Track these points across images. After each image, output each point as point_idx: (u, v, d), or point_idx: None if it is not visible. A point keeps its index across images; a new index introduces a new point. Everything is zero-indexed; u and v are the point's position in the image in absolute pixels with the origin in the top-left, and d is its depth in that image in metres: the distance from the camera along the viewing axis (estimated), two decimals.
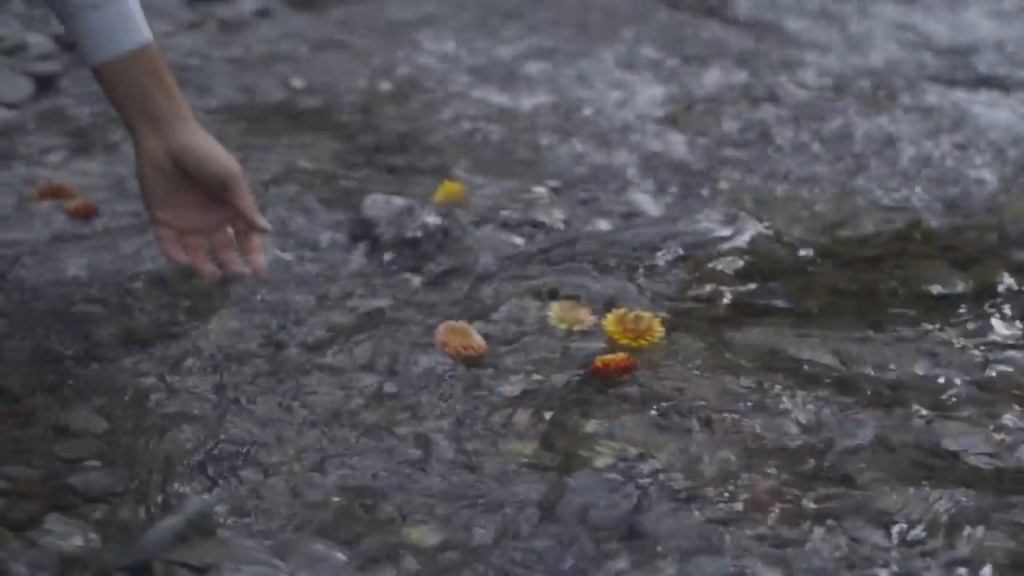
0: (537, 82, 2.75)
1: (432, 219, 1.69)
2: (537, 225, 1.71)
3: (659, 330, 1.38)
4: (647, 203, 1.88)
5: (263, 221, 1.40)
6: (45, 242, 1.67)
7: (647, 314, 1.40)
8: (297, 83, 2.74)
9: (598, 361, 1.33)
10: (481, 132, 2.30)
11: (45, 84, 2.62)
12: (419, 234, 1.66)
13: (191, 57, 3.02)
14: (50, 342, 1.38)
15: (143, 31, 1.39)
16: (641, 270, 1.58)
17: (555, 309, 1.44)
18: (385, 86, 2.76)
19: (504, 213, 1.73)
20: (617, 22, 3.53)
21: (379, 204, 1.75)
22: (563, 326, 1.42)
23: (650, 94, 2.60)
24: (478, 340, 1.38)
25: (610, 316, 1.40)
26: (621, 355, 1.34)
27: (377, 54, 3.11)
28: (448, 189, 1.79)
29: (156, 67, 1.41)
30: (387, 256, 1.64)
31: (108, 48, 1.37)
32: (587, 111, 2.50)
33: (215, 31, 3.46)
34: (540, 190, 1.88)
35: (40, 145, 2.22)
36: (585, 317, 1.44)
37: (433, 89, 2.67)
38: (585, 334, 1.41)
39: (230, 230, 1.40)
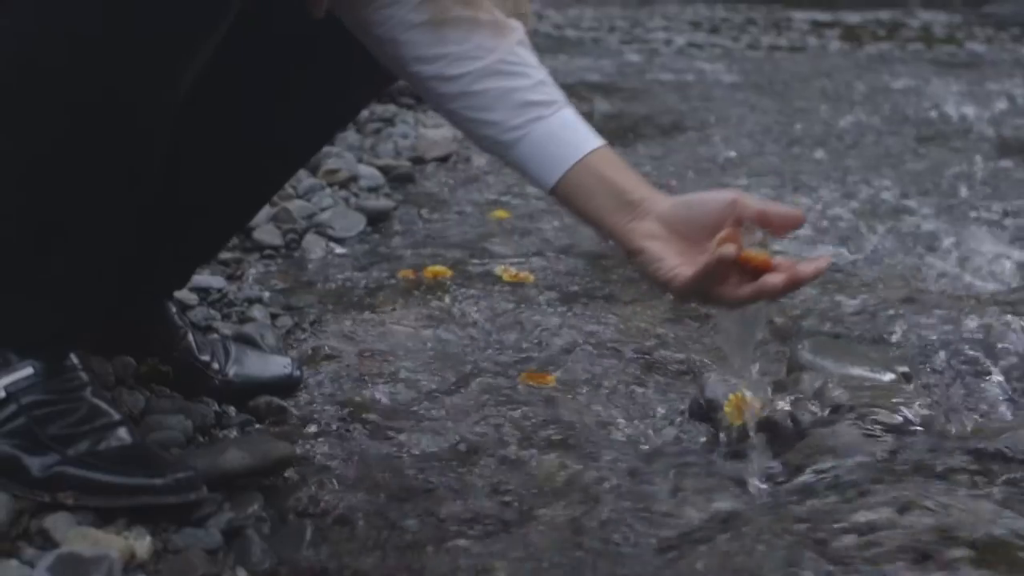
0: (871, 240, 2.63)
1: (780, 407, 1.59)
2: (894, 424, 1.58)
3: None
4: (1006, 402, 1.72)
5: (794, 209, 1.30)
6: (386, 408, 1.67)
7: None
8: None
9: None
10: (817, 300, 2.19)
11: (375, 219, 2.70)
12: (764, 425, 1.57)
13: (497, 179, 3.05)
14: (396, 518, 1.36)
15: (592, 133, 1.34)
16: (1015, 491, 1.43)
17: None
18: None
19: (855, 404, 1.62)
20: (949, 176, 3.37)
21: (720, 385, 1.67)
22: None
23: (1002, 259, 2.43)
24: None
25: None
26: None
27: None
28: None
29: (615, 157, 1.35)
30: (730, 447, 1.55)
31: (569, 154, 1.32)
32: (929, 277, 2.36)
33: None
34: (890, 376, 1.76)
35: (372, 284, 2.26)
36: None
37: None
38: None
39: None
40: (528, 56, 1.37)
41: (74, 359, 1.34)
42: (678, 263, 1.27)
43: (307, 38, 1.47)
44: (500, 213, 2.77)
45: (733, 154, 3.77)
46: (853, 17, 10.01)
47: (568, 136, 1.33)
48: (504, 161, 1.38)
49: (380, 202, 2.79)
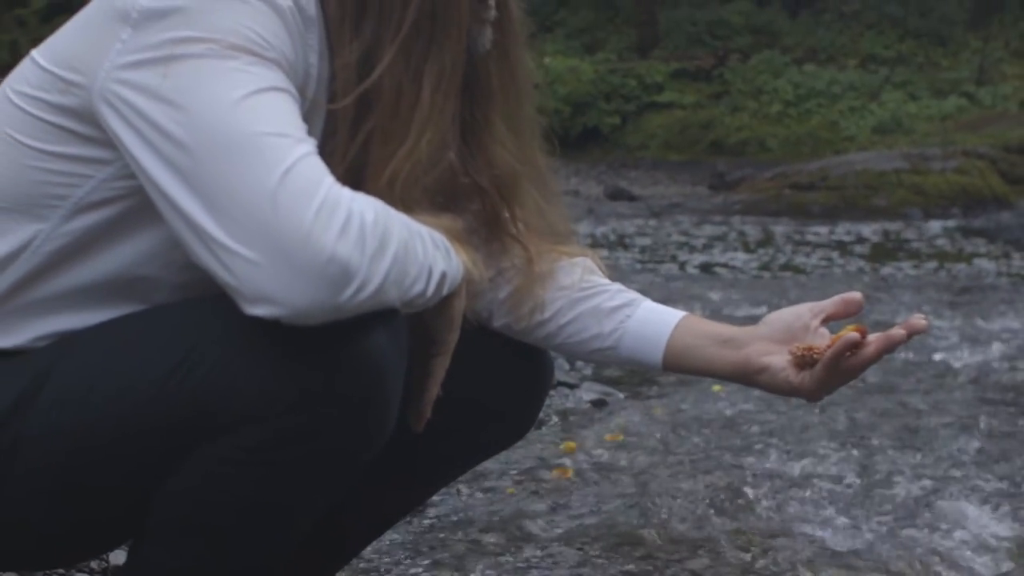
0: (864, 519, 2.83)
1: None
2: None
3: None
4: None
5: (848, 295, 1.62)
6: None
7: None
8: (639, 509, 2.92)
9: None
10: None
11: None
12: None
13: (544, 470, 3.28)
14: None
15: (672, 310, 1.67)
16: None
17: None
18: (725, 508, 2.89)
19: None
20: (949, 436, 3.57)
21: None
22: None
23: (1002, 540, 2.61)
24: None
25: None
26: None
27: (708, 468, 3.28)
28: None
29: (697, 317, 1.68)
30: None
31: (663, 331, 1.63)
32: (924, 563, 2.52)
33: (558, 427, 3.76)
34: None
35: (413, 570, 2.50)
36: None
37: (765, 526, 2.79)
38: None
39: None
40: (598, 279, 1.72)
41: None
42: (796, 371, 1.56)
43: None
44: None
45: (741, 408, 4.01)
46: (864, 229, 10.39)
47: (656, 318, 1.66)
48: (617, 363, 1.73)
49: None
